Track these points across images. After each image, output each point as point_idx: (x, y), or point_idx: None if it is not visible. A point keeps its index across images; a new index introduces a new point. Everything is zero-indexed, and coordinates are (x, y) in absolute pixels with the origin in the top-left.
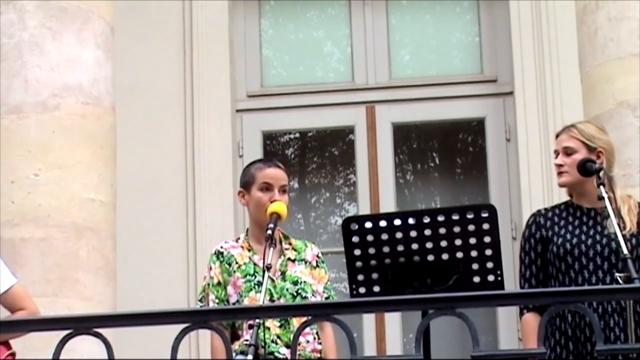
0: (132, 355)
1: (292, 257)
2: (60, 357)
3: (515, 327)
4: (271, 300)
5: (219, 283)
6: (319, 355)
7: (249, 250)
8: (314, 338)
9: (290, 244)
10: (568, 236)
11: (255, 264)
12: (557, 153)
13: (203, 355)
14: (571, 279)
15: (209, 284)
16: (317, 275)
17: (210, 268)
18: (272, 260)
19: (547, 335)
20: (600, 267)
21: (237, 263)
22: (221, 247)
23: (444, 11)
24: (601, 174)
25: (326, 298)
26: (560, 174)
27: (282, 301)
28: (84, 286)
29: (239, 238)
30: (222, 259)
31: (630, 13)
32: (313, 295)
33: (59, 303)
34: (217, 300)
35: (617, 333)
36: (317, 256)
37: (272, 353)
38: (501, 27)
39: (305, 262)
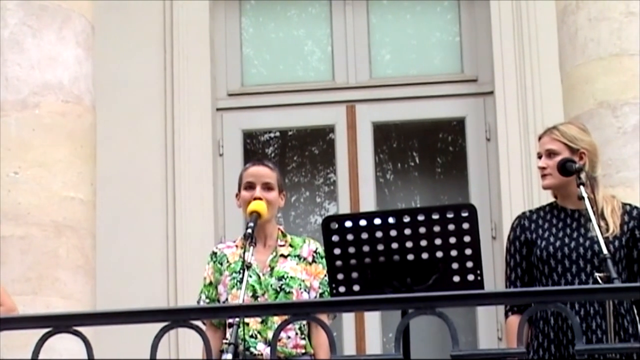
0: (112, 353)
1: (286, 254)
2: (40, 356)
3: (494, 327)
4: (255, 296)
5: (210, 283)
6: (303, 350)
7: (243, 249)
8: (296, 334)
9: (286, 240)
10: (551, 239)
11: (243, 262)
12: (539, 155)
13: (182, 354)
14: (554, 281)
15: (203, 285)
16: (313, 271)
17: (206, 269)
18: (259, 257)
19: (530, 337)
20: (583, 269)
21: (228, 262)
22: (216, 248)
23: (424, 11)
24: (582, 174)
25: (321, 294)
26: (543, 176)
27: (265, 297)
28: (64, 284)
29: (237, 239)
30: (215, 259)
31: (610, 14)
32: (306, 291)
33: (38, 301)
34: (207, 300)
35: (599, 335)
36: (315, 252)
37: (248, 349)
38: (482, 27)
39: (300, 258)
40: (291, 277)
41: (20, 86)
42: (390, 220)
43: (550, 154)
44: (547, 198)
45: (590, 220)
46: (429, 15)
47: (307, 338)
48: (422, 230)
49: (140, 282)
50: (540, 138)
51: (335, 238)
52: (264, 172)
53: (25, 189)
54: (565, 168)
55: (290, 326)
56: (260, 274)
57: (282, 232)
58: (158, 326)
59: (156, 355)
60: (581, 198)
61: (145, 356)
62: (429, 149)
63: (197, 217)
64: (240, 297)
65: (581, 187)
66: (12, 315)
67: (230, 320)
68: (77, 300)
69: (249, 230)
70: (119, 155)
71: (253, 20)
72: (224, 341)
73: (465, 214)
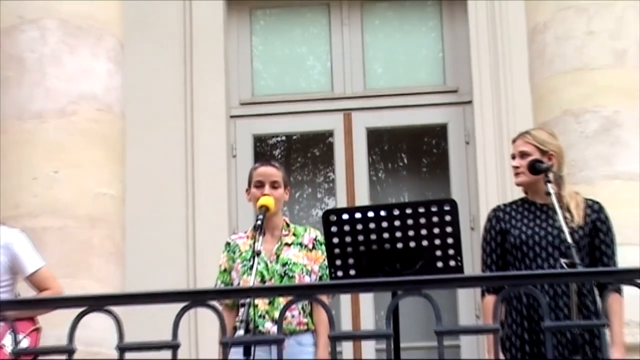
0: (139, 330)
1: (289, 242)
2: (76, 332)
3: (473, 307)
4: (263, 280)
5: (225, 270)
6: (305, 327)
7: (253, 239)
8: (300, 313)
9: (290, 230)
10: (524, 228)
11: (253, 251)
12: (513, 156)
13: (201, 332)
14: (526, 265)
15: (219, 271)
16: (314, 257)
17: (221, 257)
18: (267, 246)
19: (505, 315)
20: (551, 255)
21: (240, 251)
22: (230, 239)
23: (411, 30)
24: (549, 173)
25: (320, 276)
26: (517, 174)
27: (272, 281)
28: (97, 269)
29: (247, 230)
30: (228, 249)
31: (574, 33)
32: (308, 274)
33: (75, 284)
34: (222, 285)
35: (566, 312)
36: (315, 239)
37: (257, 327)
38: (461, 45)
39: (301, 246)
40: (294, 263)
41: (58, 96)
42: (382, 213)
43: (523, 155)
44: (519, 194)
45: (557, 213)
46: (415, 34)
47: (309, 316)
48: (410, 222)
49: (164, 268)
50: (514, 141)
51: (334, 229)
52: (271, 172)
53: (63, 187)
54: (534, 167)
55: (294, 306)
56: (268, 262)
57: (286, 222)
58: (179, 306)
59: (178, 332)
60: (548, 193)
61: (168, 333)
62: (415, 151)
63: (213, 211)
64: (250, 281)
65: (548, 184)
66: (55, 296)
67: (242, 302)
68: (108, 283)
69: (259, 222)
70: (144, 156)
71: (262, 39)
72: (237, 320)
73: (447, 208)
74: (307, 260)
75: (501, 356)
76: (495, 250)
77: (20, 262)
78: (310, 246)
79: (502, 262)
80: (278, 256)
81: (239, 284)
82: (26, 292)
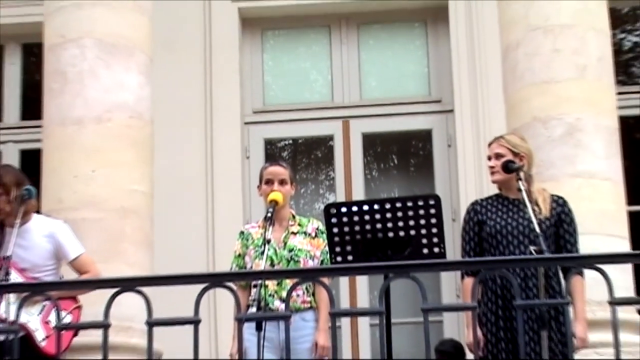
0: (165, 307)
1: (295, 231)
2: (111, 309)
3: (454, 287)
4: (272, 264)
5: (239, 255)
6: (309, 305)
7: (263, 229)
8: (303, 292)
9: (295, 220)
10: (498, 220)
11: (264, 239)
12: (489, 157)
13: (219, 309)
14: (500, 252)
15: (234, 256)
16: (316, 243)
17: (236, 244)
18: (275, 234)
19: (481, 294)
20: (522, 242)
21: (252, 239)
22: (244, 228)
23: (401, 49)
24: (520, 172)
25: (322, 260)
26: (492, 173)
27: (280, 266)
28: (129, 255)
29: (259, 220)
30: (242, 237)
31: (541, 50)
32: (311, 259)
33: (109, 268)
34: (236, 268)
35: (535, 292)
36: (317, 229)
37: (267, 305)
38: (444, 61)
39: (306, 234)
40: (299, 249)
41: (96, 105)
42: (375, 206)
43: (498, 156)
44: (494, 190)
45: (527, 206)
46: (404, 52)
47: (312, 296)
48: (399, 214)
49: (187, 254)
50: (490, 144)
51: (334, 220)
52: (279, 171)
53: (100, 184)
54: (507, 167)
55: (299, 286)
56: (277, 248)
57: (292, 214)
58: (200, 287)
59: (199, 309)
60: (520, 190)
61: (190, 310)
62: (404, 153)
63: (229, 205)
64: (261, 265)
65: (519, 181)
66: (94, 279)
67: (254, 283)
68: (139, 267)
69: (269, 214)
70: (170, 157)
71: (272, 56)
72: (250, 299)
73: (432, 202)
74: (310, 247)
75: (478, 330)
76: (473, 238)
77: (64, 249)
78: (313, 235)
79: (479, 249)
80: (285, 243)
81: (251, 267)
82: (69, 275)
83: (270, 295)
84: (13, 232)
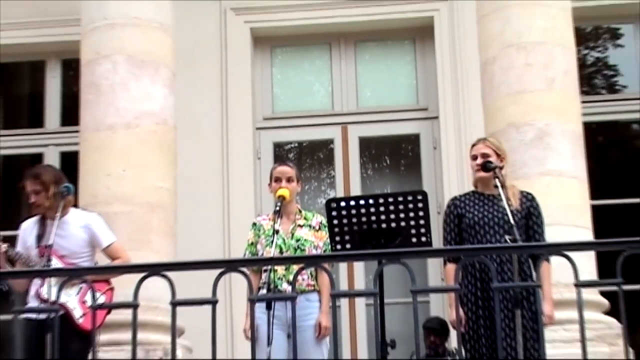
0: (187, 290)
1: (301, 224)
2: (140, 291)
3: (439, 272)
4: (281, 252)
5: (252, 243)
6: (312, 287)
7: (273, 221)
8: (308, 277)
9: (301, 214)
10: (476, 212)
11: (274, 230)
12: (475, 157)
13: (234, 291)
14: (478, 240)
15: (247, 245)
16: (319, 235)
17: (249, 234)
18: (284, 226)
19: (463, 277)
20: (498, 232)
21: (263, 229)
22: (256, 220)
23: (393, 63)
24: (497, 170)
25: (324, 250)
26: (477, 170)
27: (288, 253)
28: (155, 244)
29: (269, 213)
30: (255, 228)
31: (515, 64)
32: (315, 248)
33: (138, 255)
34: (249, 255)
35: (510, 276)
36: (320, 223)
37: (276, 287)
38: (431, 74)
39: (310, 227)
40: (305, 240)
41: (126, 113)
42: (370, 201)
43: (484, 155)
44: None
45: (502, 200)
46: (396, 66)
47: (315, 279)
48: (391, 208)
49: (205, 243)
50: (474, 145)
51: (334, 213)
52: (287, 170)
53: (129, 182)
54: (485, 166)
55: (304, 271)
56: (285, 238)
57: (299, 209)
58: (217, 272)
59: (216, 291)
60: (495, 186)
61: (208, 292)
62: (396, 155)
63: (242, 200)
64: (271, 252)
65: (496, 179)
66: (125, 264)
67: (265, 268)
68: (164, 254)
69: (277, 208)
70: (191, 160)
71: (280, 69)
72: (261, 282)
73: (419, 197)
74: (314, 238)
75: (460, 309)
76: (453, 229)
77: (98, 238)
78: (317, 227)
79: (459, 239)
80: (293, 234)
81: (262, 254)
82: (102, 261)
83: (279, 278)
84: (54, 224)
